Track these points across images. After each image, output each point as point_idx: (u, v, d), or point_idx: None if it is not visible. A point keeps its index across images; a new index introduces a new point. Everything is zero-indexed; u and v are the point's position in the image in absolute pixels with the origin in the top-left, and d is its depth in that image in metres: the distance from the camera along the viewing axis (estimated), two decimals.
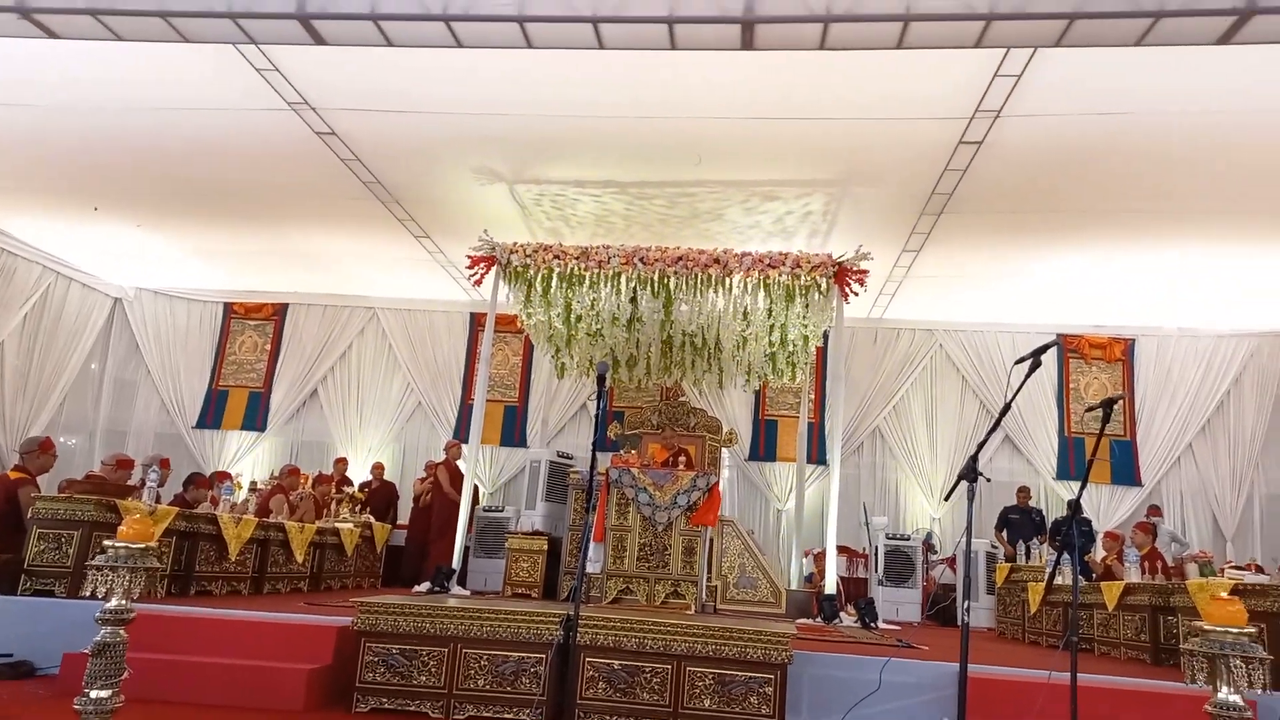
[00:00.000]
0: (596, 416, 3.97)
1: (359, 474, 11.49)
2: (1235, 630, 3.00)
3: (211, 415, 12.77)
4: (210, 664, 4.82)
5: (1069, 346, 12.29)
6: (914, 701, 4.82)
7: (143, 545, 3.49)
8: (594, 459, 4.05)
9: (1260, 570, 8.36)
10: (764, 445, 12.36)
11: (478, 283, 8.79)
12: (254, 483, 9.68)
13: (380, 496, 10.64)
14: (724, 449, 10.28)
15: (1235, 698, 2.95)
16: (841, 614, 7.76)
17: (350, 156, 8.46)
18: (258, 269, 12.12)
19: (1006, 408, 3.60)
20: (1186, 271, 10.05)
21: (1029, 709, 4.47)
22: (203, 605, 5.63)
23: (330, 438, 12.65)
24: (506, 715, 4.60)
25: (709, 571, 8.12)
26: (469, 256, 8.58)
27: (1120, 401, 3.52)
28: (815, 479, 11.49)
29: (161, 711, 4.42)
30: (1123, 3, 4.95)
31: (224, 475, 7.49)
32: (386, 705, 4.70)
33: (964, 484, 3.61)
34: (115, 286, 12.78)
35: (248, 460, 12.52)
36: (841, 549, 9.99)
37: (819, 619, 7.60)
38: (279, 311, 13.07)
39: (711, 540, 8.20)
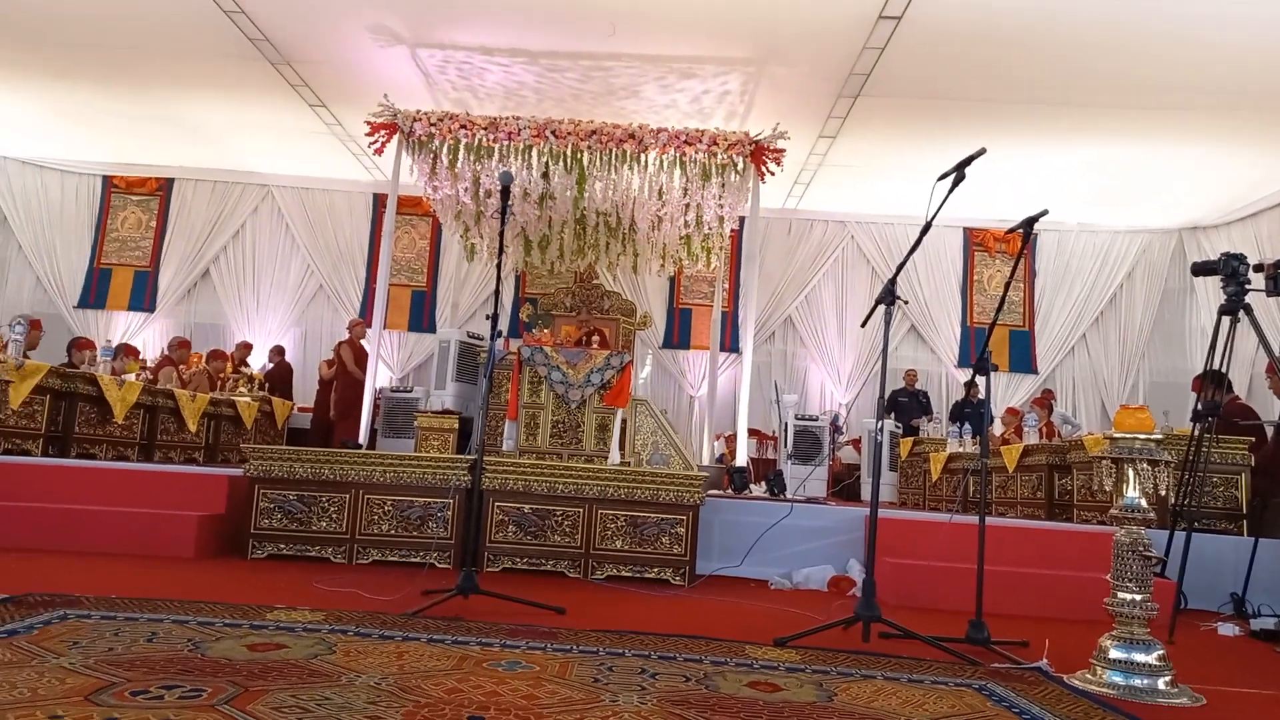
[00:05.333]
0: (500, 234, 3.70)
1: (261, 362, 10.97)
2: (1143, 436, 3.04)
3: (94, 295, 12.12)
4: (92, 511, 4.53)
5: (974, 240, 12.53)
6: (824, 544, 4.89)
7: None
8: (499, 275, 3.76)
9: None
10: (678, 333, 12.36)
11: (379, 151, 8.28)
12: (143, 361, 9.08)
13: (276, 376, 10.20)
14: (639, 333, 10.19)
15: (1141, 500, 3.00)
16: (751, 486, 7.87)
17: (234, 8, 7.79)
18: (139, 140, 11.26)
19: (928, 226, 3.54)
20: (1091, 167, 10.23)
21: (932, 544, 4.58)
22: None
23: (225, 320, 12.13)
24: (413, 559, 4.47)
25: (622, 450, 8.08)
26: (369, 123, 8.08)
27: (1041, 217, 3.49)
28: (728, 366, 11.55)
29: (39, 560, 4.12)
30: None
31: (89, 343, 6.96)
32: (285, 551, 4.51)
33: (881, 308, 3.56)
34: None
35: (136, 342, 11.82)
36: (752, 431, 10.12)
37: (730, 491, 7.68)
38: (164, 186, 12.30)
39: (625, 420, 8.16)
